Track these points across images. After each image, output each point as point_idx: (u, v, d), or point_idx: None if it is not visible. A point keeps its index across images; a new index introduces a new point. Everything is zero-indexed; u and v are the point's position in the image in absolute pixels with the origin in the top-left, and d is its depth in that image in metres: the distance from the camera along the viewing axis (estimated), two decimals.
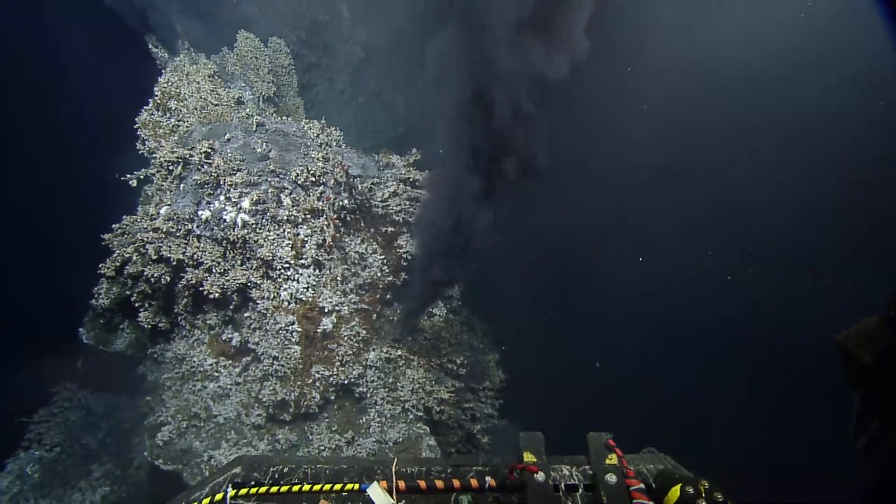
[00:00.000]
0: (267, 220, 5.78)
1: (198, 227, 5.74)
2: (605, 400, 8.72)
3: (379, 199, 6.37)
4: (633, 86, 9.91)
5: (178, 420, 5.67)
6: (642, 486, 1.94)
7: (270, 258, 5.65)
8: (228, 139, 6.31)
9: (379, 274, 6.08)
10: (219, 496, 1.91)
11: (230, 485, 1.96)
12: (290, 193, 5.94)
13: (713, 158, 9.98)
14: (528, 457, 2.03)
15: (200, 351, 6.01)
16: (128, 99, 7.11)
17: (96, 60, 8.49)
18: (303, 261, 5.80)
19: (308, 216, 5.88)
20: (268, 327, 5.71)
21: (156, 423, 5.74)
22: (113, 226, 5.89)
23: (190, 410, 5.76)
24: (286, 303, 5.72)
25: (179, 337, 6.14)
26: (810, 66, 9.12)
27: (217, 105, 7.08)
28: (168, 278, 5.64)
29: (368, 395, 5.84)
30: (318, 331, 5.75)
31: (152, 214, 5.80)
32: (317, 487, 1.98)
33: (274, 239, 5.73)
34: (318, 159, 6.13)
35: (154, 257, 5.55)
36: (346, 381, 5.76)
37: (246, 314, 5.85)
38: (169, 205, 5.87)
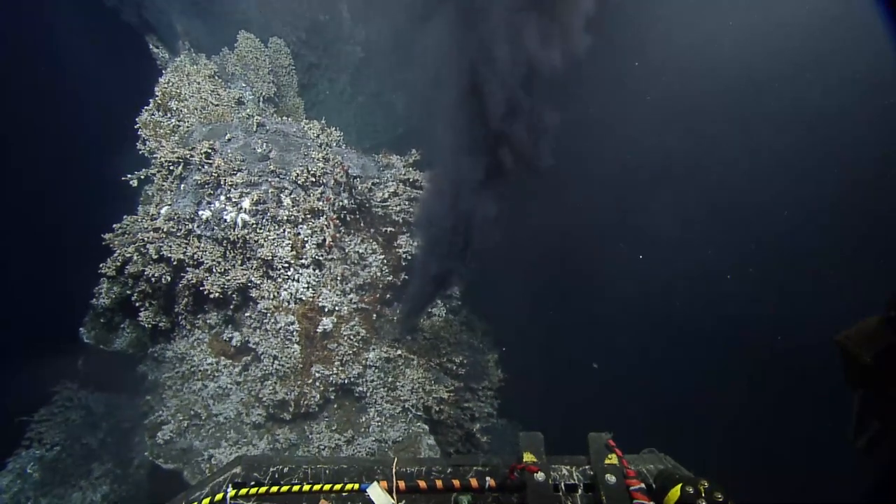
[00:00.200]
0: (267, 220, 5.79)
1: (198, 226, 5.74)
2: (605, 400, 8.72)
3: (379, 200, 6.37)
4: (633, 86, 9.91)
5: (179, 419, 5.68)
6: (642, 486, 1.94)
7: (270, 258, 5.66)
8: (229, 139, 6.32)
9: (379, 274, 6.09)
10: (219, 496, 1.91)
11: (230, 485, 1.96)
12: (291, 193, 5.95)
13: (713, 158, 9.98)
14: (528, 457, 2.03)
15: (201, 350, 6.02)
16: (128, 99, 7.12)
17: (96, 60, 8.50)
18: (303, 261, 5.80)
19: (308, 216, 5.88)
20: (268, 327, 5.72)
21: (156, 423, 5.74)
22: (114, 226, 5.90)
23: (190, 409, 5.76)
24: (286, 302, 5.72)
25: (180, 336, 6.14)
26: (810, 66, 9.11)
27: (217, 105, 7.08)
28: (168, 278, 5.64)
29: (368, 394, 5.84)
30: (318, 330, 5.76)
31: (153, 214, 5.81)
32: (317, 487, 1.98)
33: (274, 239, 5.73)
34: (318, 159, 6.13)
35: (155, 257, 5.56)
36: (345, 381, 5.76)
37: (246, 314, 5.85)
38: (169, 205, 5.88)
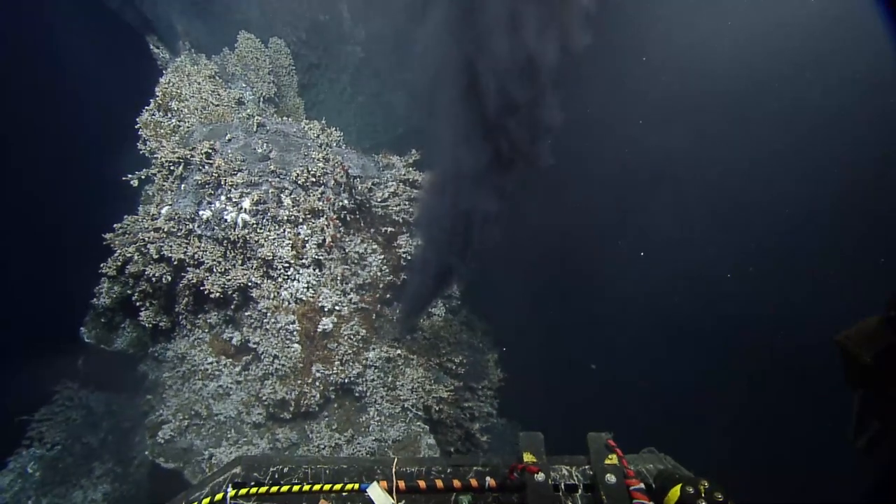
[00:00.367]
0: (267, 220, 5.79)
1: (199, 226, 5.75)
2: (605, 400, 8.72)
3: (379, 200, 6.37)
4: (633, 85, 9.90)
5: (179, 418, 5.69)
6: (642, 486, 1.94)
7: (271, 258, 5.66)
8: (229, 139, 6.32)
9: (379, 274, 6.09)
10: (219, 496, 1.91)
11: (230, 485, 1.97)
12: (291, 194, 5.95)
13: (713, 158, 9.97)
14: (528, 457, 2.03)
15: (201, 350, 6.02)
16: (128, 99, 7.12)
17: (97, 60, 8.49)
18: (303, 260, 5.80)
19: (308, 216, 5.89)
20: (268, 326, 5.72)
21: (157, 422, 5.75)
22: (114, 225, 5.90)
23: (191, 409, 5.77)
24: (286, 302, 5.73)
25: (180, 336, 6.15)
26: (810, 66, 9.11)
27: (218, 105, 7.08)
28: (169, 278, 5.65)
29: (368, 393, 5.84)
30: (318, 330, 5.76)
31: (153, 214, 5.81)
32: (317, 487, 1.98)
33: (274, 239, 5.74)
34: (318, 160, 6.13)
35: (155, 257, 5.56)
36: (345, 380, 5.77)
37: (246, 313, 5.86)
38: (170, 205, 5.88)
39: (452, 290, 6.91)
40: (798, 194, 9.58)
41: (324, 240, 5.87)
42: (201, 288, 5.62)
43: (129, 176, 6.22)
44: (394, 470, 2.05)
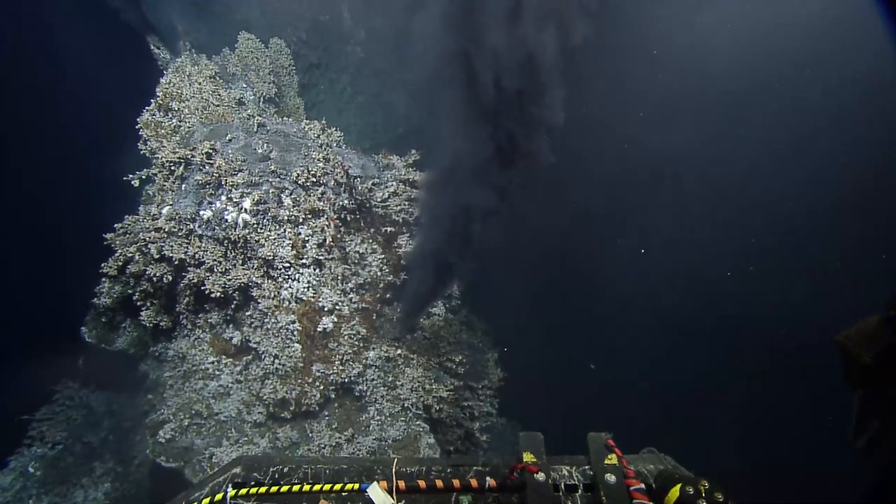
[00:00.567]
0: (268, 220, 5.79)
1: (199, 226, 5.75)
2: (605, 400, 8.73)
3: (379, 200, 6.38)
4: (633, 85, 9.90)
5: (180, 418, 5.69)
6: (642, 486, 1.94)
7: (271, 258, 5.67)
8: (230, 140, 6.32)
9: (379, 273, 6.10)
10: (219, 496, 1.92)
11: (230, 485, 1.97)
12: (291, 194, 5.95)
13: (714, 158, 9.97)
14: (528, 457, 2.04)
15: (202, 349, 6.03)
16: (129, 99, 7.12)
17: (97, 61, 8.50)
18: (303, 260, 5.81)
19: (308, 216, 5.89)
20: (269, 326, 5.73)
21: (157, 421, 5.76)
22: (115, 225, 5.91)
23: (191, 408, 5.77)
24: (287, 302, 5.73)
25: (181, 335, 6.15)
26: (810, 65, 9.11)
27: (218, 106, 7.09)
28: (170, 277, 5.66)
29: (368, 393, 5.85)
30: (319, 330, 5.77)
31: (154, 214, 5.82)
32: (317, 487, 1.98)
33: (275, 239, 5.74)
34: (318, 160, 6.14)
35: (156, 256, 5.57)
36: (346, 380, 5.77)
37: (247, 313, 5.86)
38: (171, 205, 5.89)
39: (452, 289, 6.91)
40: (798, 194, 9.58)
41: (324, 240, 5.87)
42: (202, 288, 5.63)
43: (130, 176, 6.22)
44: (394, 470, 2.05)
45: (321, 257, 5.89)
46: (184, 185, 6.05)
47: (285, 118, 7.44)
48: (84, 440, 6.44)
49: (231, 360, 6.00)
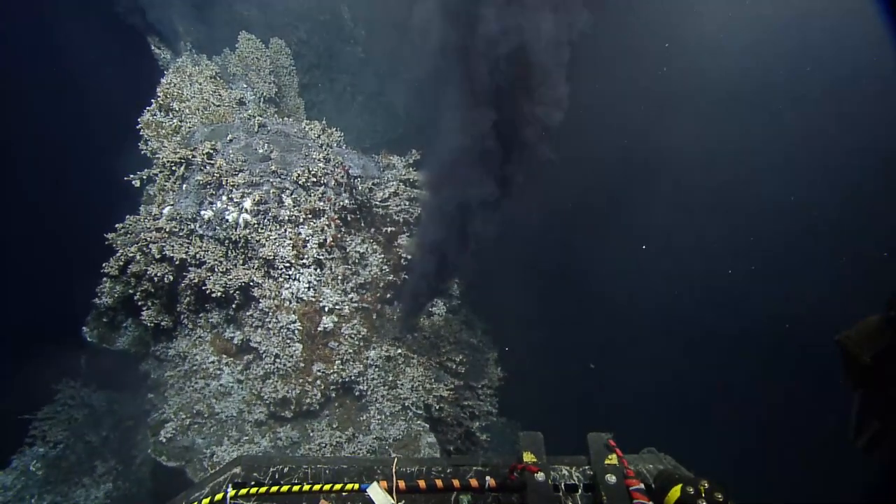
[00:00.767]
0: (268, 220, 5.80)
1: (200, 226, 5.76)
2: (605, 400, 8.73)
3: (379, 200, 6.38)
4: (634, 85, 9.88)
5: (181, 417, 5.71)
6: (642, 486, 1.94)
7: (272, 257, 5.67)
8: (230, 140, 6.33)
9: (379, 273, 6.10)
10: (219, 496, 1.92)
11: (230, 485, 1.97)
12: (292, 194, 5.96)
13: (714, 158, 9.95)
14: (528, 457, 2.04)
15: (203, 349, 6.04)
16: (129, 99, 7.14)
17: (98, 61, 8.52)
18: (304, 260, 5.81)
19: (309, 216, 5.90)
20: (269, 326, 5.74)
21: (159, 421, 5.77)
22: (116, 225, 5.92)
23: (192, 408, 5.79)
24: (287, 302, 5.74)
25: (182, 335, 6.17)
26: (810, 66, 9.08)
27: (219, 106, 7.09)
28: (171, 277, 5.67)
29: (369, 392, 5.86)
30: (319, 329, 5.78)
31: (155, 214, 5.83)
32: (317, 487, 1.99)
33: (275, 239, 5.75)
34: (319, 160, 6.14)
35: (157, 256, 5.58)
36: (346, 379, 5.78)
37: (248, 313, 5.87)
38: (172, 205, 5.90)
39: (452, 289, 6.91)
40: (798, 193, 9.55)
41: (325, 239, 5.88)
42: (203, 287, 5.64)
43: (131, 176, 6.23)
44: (394, 470, 2.06)
45: (322, 257, 5.89)
46: (185, 186, 6.06)
47: (286, 118, 7.44)
48: (85, 439, 6.47)
49: (232, 359, 6.02)
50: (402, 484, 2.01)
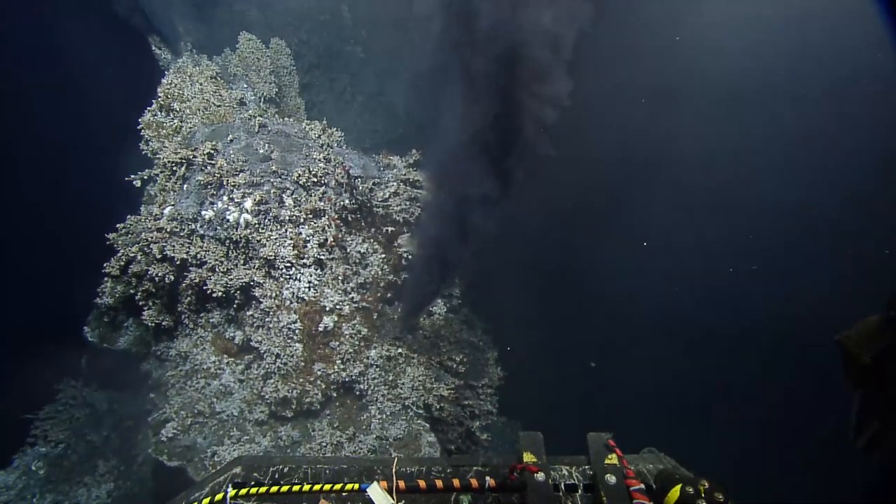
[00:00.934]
0: (269, 220, 5.81)
1: (201, 226, 5.77)
2: (605, 400, 8.73)
3: (379, 200, 6.38)
4: (634, 85, 9.87)
5: (182, 417, 5.72)
6: (642, 486, 1.95)
7: (273, 257, 5.68)
8: (231, 140, 6.34)
9: (379, 273, 6.10)
10: (219, 496, 1.93)
11: (230, 485, 1.98)
12: (292, 194, 5.96)
13: (714, 158, 9.94)
14: (528, 457, 2.04)
15: (204, 349, 6.05)
16: (130, 100, 7.14)
17: (98, 62, 8.52)
18: (304, 260, 5.82)
19: (310, 216, 5.90)
20: (270, 325, 5.75)
21: (160, 420, 5.78)
22: (117, 225, 5.93)
23: (193, 407, 5.80)
24: (288, 301, 5.75)
25: (183, 335, 6.18)
26: (810, 65, 9.07)
27: (220, 106, 7.10)
28: (172, 277, 5.68)
29: (369, 392, 5.86)
30: (320, 329, 5.78)
31: (156, 214, 5.84)
32: (317, 487, 1.99)
33: (276, 238, 5.75)
34: (319, 160, 6.14)
35: (158, 256, 5.59)
36: (347, 379, 5.79)
37: (248, 313, 5.88)
38: (173, 205, 5.91)
39: (453, 289, 6.92)
40: (799, 193, 9.54)
41: (325, 239, 5.88)
42: (204, 287, 5.65)
43: (132, 176, 6.24)
44: (394, 470, 2.06)
45: (322, 257, 5.90)
46: (185, 186, 6.07)
47: (286, 118, 7.45)
48: (87, 439, 6.48)
49: (233, 359, 6.03)
50: (402, 484, 2.02)
